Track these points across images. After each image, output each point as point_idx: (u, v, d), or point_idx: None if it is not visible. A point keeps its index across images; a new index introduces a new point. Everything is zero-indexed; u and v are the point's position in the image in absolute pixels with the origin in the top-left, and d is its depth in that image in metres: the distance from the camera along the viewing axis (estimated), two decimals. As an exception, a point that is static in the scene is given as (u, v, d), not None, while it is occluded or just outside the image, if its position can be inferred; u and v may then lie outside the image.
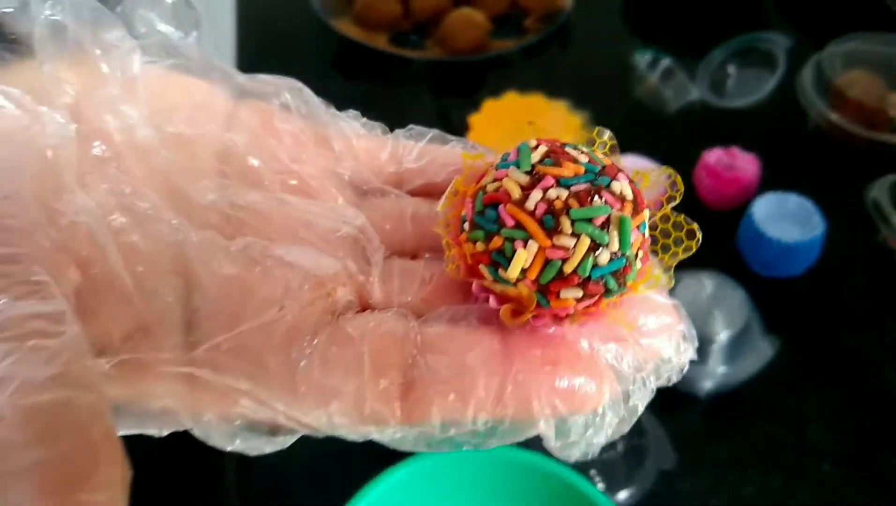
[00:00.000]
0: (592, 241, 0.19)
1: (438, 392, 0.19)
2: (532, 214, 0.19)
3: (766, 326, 0.59)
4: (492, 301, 0.20)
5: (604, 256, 0.19)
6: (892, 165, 0.68)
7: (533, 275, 0.19)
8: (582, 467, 0.47)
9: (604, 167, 0.20)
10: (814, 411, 0.58)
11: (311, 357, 0.19)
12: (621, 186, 0.20)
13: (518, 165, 0.20)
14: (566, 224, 0.19)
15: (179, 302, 0.20)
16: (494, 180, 0.20)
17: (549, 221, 0.19)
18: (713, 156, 0.69)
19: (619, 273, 0.19)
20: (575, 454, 0.20)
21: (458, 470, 0.47)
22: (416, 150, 0.23)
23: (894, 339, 0.62)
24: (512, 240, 0.19)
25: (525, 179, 0.20)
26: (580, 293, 0.19)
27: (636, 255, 0.20)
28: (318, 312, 0.20)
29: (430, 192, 0.23)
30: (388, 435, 0.19)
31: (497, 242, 0.19)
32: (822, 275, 0.65)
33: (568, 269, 0.19)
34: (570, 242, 0.19)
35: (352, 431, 0.19)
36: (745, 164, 0.68)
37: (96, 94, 0.20)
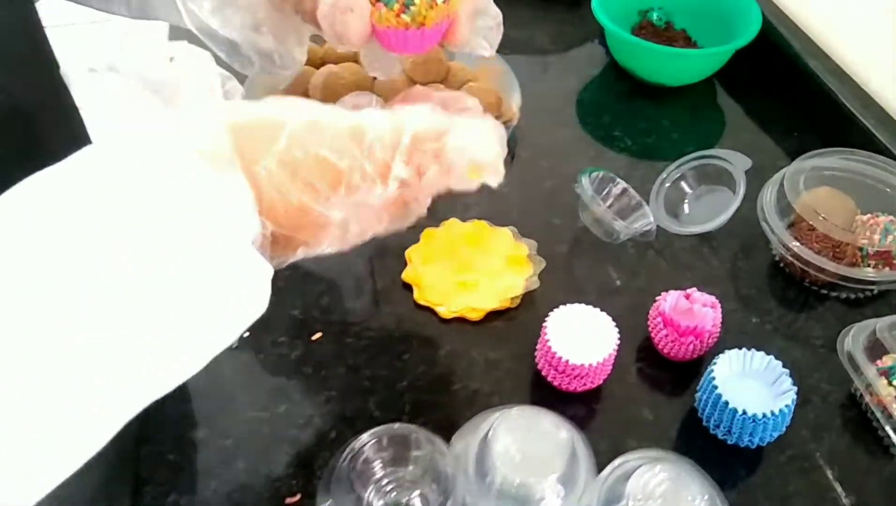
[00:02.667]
0: None
1: None
2: None
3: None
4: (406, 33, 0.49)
5: None
6: (869, 307, 0.61)
7: (426, 2, 0.48)
8: None
9: None
10: None
11: None
12: None
13: None
14: None
15: None
16: None
17: None
18: (669, 300, 0.62)
19: None
20: None
21: None
22: None
23: (877, 512, 0.55)
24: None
25: None
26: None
27: None
28: None
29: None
30: None
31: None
32: (793, 441, 0.58)
33: None
34: None
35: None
36: (704, 308, 0.62)
37: None
